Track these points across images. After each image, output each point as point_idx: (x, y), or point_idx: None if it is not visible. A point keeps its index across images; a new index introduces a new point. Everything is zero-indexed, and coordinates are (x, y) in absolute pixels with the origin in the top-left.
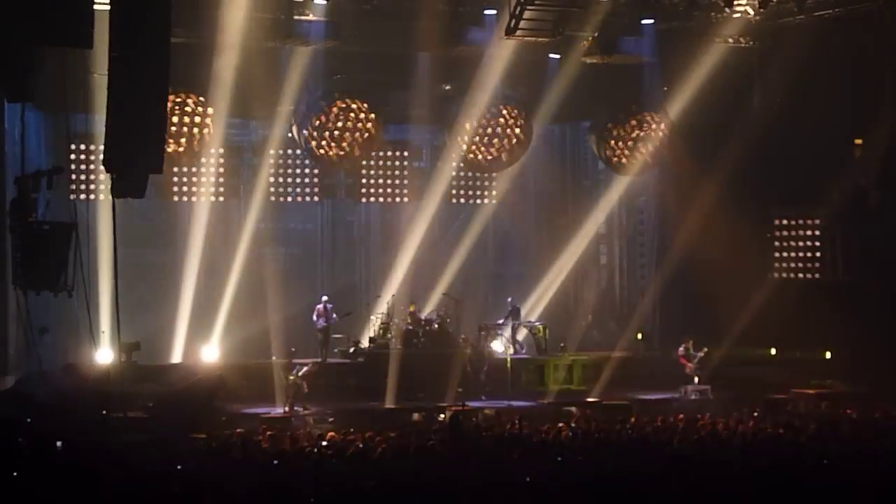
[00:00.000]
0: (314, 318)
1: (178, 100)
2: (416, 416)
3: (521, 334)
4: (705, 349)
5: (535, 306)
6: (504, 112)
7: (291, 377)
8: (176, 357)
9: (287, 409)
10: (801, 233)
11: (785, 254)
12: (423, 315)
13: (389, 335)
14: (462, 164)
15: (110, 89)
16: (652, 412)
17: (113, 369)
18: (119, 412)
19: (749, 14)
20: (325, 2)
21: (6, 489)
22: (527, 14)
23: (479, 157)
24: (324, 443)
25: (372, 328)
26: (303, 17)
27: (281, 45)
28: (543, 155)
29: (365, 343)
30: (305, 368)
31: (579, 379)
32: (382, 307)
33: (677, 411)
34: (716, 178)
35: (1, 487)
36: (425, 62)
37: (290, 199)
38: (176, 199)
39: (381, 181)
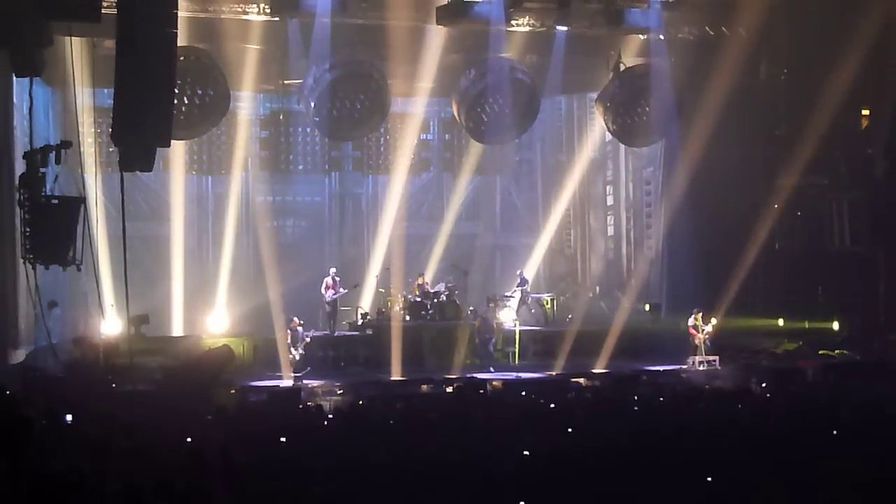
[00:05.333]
0: (322, 290)
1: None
2: (424, 387)
3: (530, 306)
4: (714, 321)
5: (543, 278)
6: (511, 83)
7: (298, 350)
8: (182, 329)
9: (295, 380)
10: (808, 203)
11: (792, 224)
12: (432, 287)
13: (398, 307)
14: (469, 136)
15: (119, 64)
16: (660, 383)
17: (122, 342)
18: (128, 385)
19: None
20: None
21: (17, 461)
22: None
23: (487, 128)
24: (332, 416)
25: (380, 300)
26: None
27: (288, 18)
28: (551, 126)
29: (373, 315)
30: (307, 340)
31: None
32: (390, 279)
33: (685, 382)
34: (723, 149)
35: (11, 460)
36: (432, 35)
37: (297, 171)
38: (183, 171)
39: (388, 153)
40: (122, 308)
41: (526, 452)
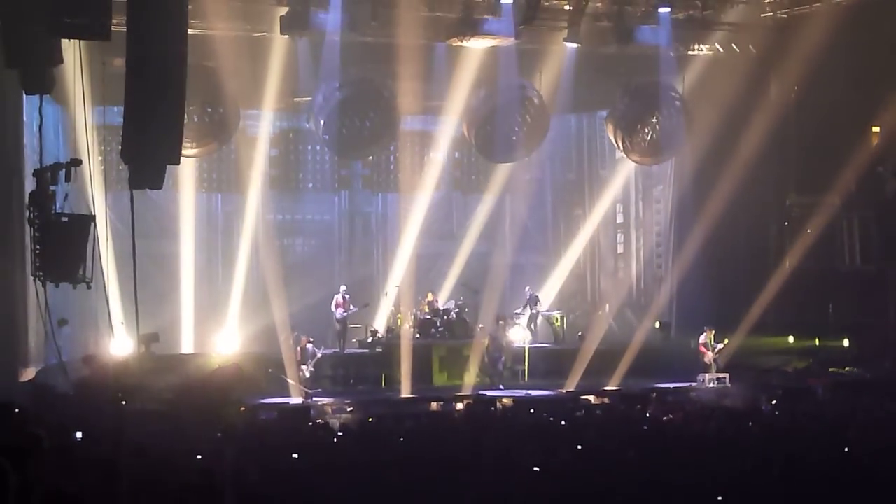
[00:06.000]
0: (332, 308)
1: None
2: (433, 405)
3: (539, 324)
4: (726, 340)
5: (552, 296)
6: (522, 102)
7: (308, 367)
8: (192, 348)
9: (304, 398)
10: (818, 221)
11: (803, 242)
12: (441, 305)
13: (408, 324)
14: (479, 155)
15: (128, 81)
16: (670, 401)
17: (132, 360)
18: (138, 403)
19: (765, 2)
20: None
21: (25, 480)
22: (543, 3)
23: (497, 147)
24: (342, 434)
25: (389, 318)
26: (319, 9)
27: (298, 36)
28: (560, 144)
29: (382, 333)
30: (318, 357)
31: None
32: (400, 297)
33: (695, 400)
34: (733, 167)
35: (21, 478)
36: (442, 52)
37: (307, 189)
38: (193, 189)
39: (398, 172)
40: (131, 326)
41: (536, 469)
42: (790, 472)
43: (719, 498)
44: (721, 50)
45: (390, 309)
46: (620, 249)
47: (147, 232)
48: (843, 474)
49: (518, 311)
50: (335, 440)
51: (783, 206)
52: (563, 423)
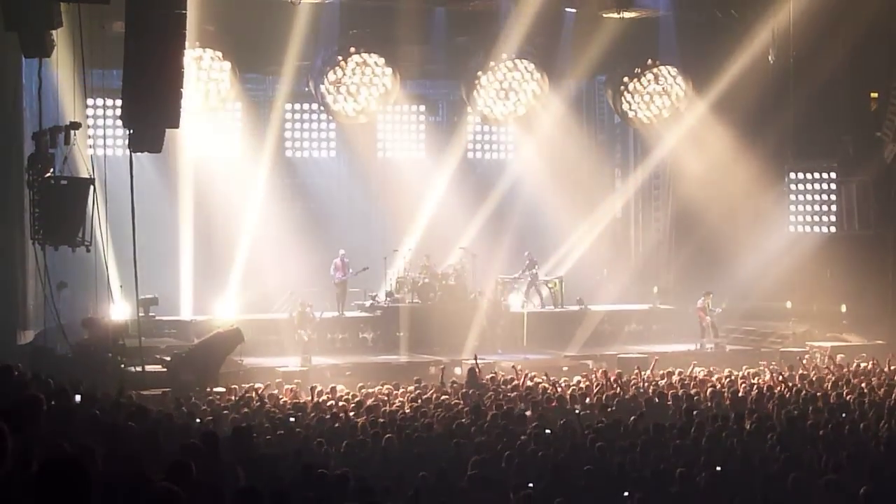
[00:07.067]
0: (331, 271)
1: (196, 55)
2: (432, 369)
3: (538, 288)
4: (724, 304)
5: (551, 260)
6: (520, 66)
7: (308, 331)
8: (191, 311)
9: (303, 362)
10: (816, 186)
11: (800, 207)
12: (440, 269)
13: (406, 289)
14: (478, 119)
15: (127, 45)
16: (668, 365)
17: (131, 323)
18: (137, 366)
19: None
20: None
21: (26, 441)
22: None
23: (495, 111)
24: (341, 396)
25: (388, 282)
26: None
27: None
28: (559, 109)
29: (381, 297)
30: (317, 321)
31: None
32: (399, 262)
33: (694, 364)
34: (731, 132)
35: (21, 440)
36: (441, 16)
37: (306, 153)
38: (193, 153)
39: (397, 136)
40: (130, 290)
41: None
42: (785, 436)
43: (717, 468)
44: (719, 14)
45: (388, 273)
46: (619, 214)
47: (146, 196)
48: (839, 438)
49: (516, 275)
50: (333, 403)
51: (782, 171)
52: (561, 387)
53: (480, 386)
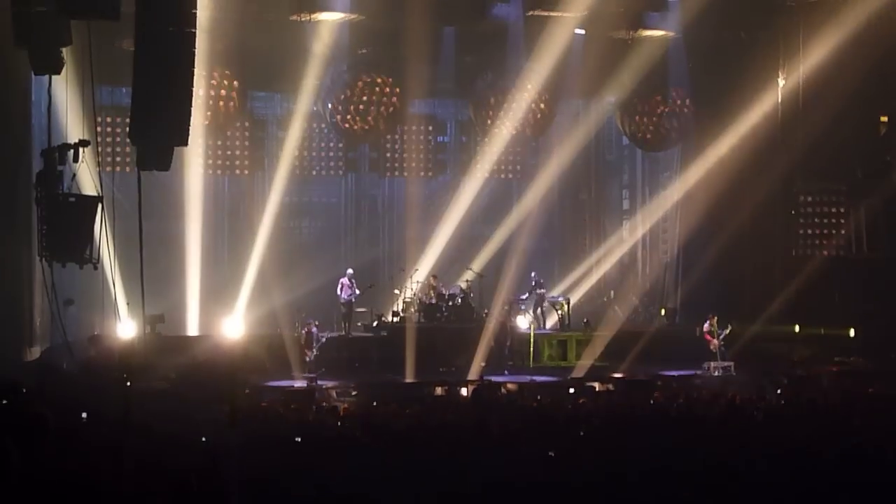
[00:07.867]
0: (338, 291)
1: (205, 73)
2: (438, 389)
3: (545, 309)
4: (730, 326)
5: (558, 281)
6: (528, 86)
7: (313, 351)
8: (198, 330)
9: (309, 382)
10: (825, 209)
11: (809, 230)
12: (446, 289)
13: (412, 309)
14: (486, 139)
15: (137, 62)
16: (675, 388)
17: (137, 341)
18: (143, 383)
19: None
20: None
21: (31, 459)
22: None
23: (503, 131)
24: (346, 417)
25: (395, 302)
26: None
27: (306, 18)
28: (567, 130)
29: (388, 316)
30: (323, 340)
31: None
32: (405, 281)
33: (701, 388)
34: (740, 154)
35: (26, 457)
36: (450, 36)
37: (314, 172)
38: (201, 171)
39: (405, 155)
40: (137, 307)
41: (551, 453)
42: (793, 459)
43: (723, 485)
44: (729, 36)
45: (395, 292)
46: (626, 236)
47: (154, 213)
48: (847, 461)
49: (524, 296)
50: (339, 424)
51: (790, 193)
52: (567, 409)
53: (486, 405)
